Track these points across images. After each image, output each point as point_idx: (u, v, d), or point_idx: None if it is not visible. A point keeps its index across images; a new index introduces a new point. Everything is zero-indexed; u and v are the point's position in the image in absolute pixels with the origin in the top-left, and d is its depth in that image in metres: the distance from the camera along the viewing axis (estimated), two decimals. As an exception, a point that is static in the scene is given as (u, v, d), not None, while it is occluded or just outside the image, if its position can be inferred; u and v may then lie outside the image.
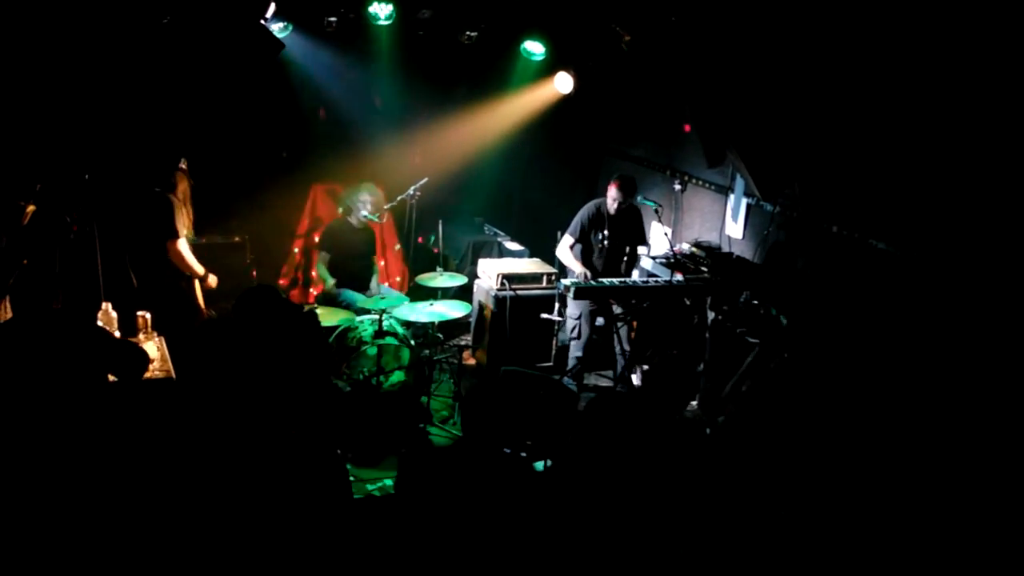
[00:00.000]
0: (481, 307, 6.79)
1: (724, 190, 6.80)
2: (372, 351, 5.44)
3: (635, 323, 6.57)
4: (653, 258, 6.76)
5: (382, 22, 6.36)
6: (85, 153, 4.58)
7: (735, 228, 6.67)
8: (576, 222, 6.32)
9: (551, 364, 6.79)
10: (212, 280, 5.59)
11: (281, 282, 7.51)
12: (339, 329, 5.66)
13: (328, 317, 5.52)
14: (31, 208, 4.31)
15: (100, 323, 4.48)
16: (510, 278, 6.60)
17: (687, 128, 7.00)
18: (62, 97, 4.36)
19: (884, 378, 4.94)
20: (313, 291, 7.33)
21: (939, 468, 4.40)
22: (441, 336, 6.13)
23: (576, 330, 6.37)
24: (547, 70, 7.23)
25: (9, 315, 3.90)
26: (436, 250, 6.83)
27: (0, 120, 4.22)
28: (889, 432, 4.74)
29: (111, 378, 3.88)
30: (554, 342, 6.84)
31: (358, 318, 5.74)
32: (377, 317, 5.55)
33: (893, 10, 4.63)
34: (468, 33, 6.86)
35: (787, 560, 4.19)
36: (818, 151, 5.59)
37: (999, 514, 4.08)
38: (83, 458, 3.63)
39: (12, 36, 4.11)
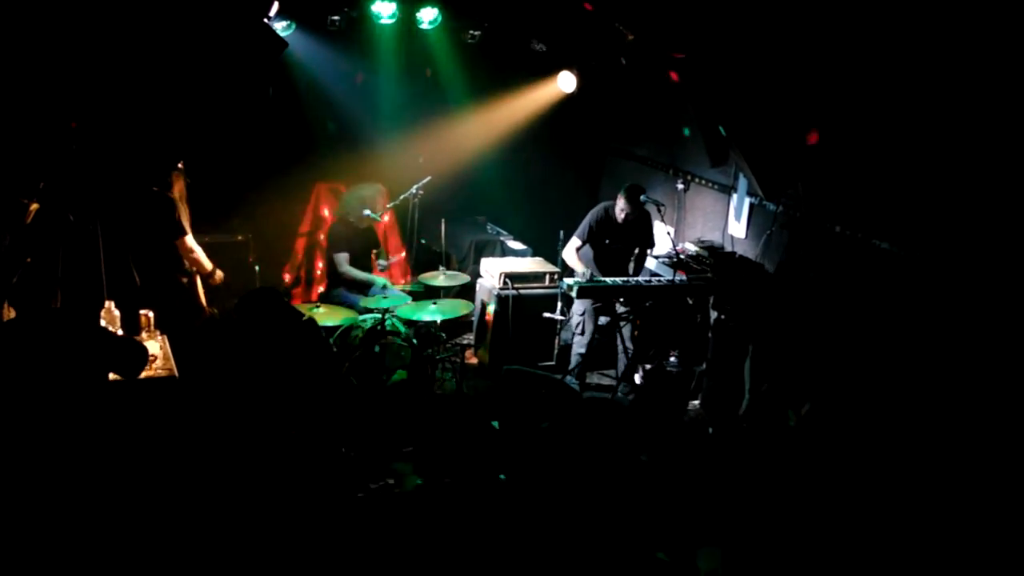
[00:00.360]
0: (483, 306, 6.79)
1: (727, 189, 6.79)
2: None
3: (638, 322, 6.56)
4: (656, 257, 6.75)
5: (385, 20, 6.36)
6: (88, 151, 4.58)
7: (738, 228, 6.66)
8: (584, 225, 6.32)
9: (553, 363, 6.79)
10: (219, 275, 5.60)
11: (285, 278, 7.52)
12: (340, 329, 5.67)
13: (331, 316, 5.53)
14: (35, 206, 4.32)
15: (103, 321, 4.49)
16: (513, 277, 6.59)
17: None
18: (66, 95, 4.36)
19: (888, 377, 4.93)
20: (320, 288, 7.33)
21: (945, 465, 4.40)
22: (443, 335, 6.12)
23: (580, 326, 6.37)
24: (550, 69, 7.24)
25: (11, 314, 3.90)
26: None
27: (3, 118, 4.22)
28: (893, 431, 4.73)
29: (112, 376, 3.88)
30: (556, 341, 6.84)
31: (360, 317, 5.74)
32: (379, 316, 5.55)
33: (896, 10, 4.62)
34: (471, 32, 6.87)
35: (798, 559, 4.20)
36: (821, 151, 5.59)
37: (1005, 510, 4.08)
38: (84, 457, 3.64)
39: (13, 36, 4.12)
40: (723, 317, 5.98)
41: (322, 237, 7.17)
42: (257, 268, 6.54)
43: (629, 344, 6.37)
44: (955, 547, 4.06)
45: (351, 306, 5.96)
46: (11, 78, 4.17)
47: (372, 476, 4.81)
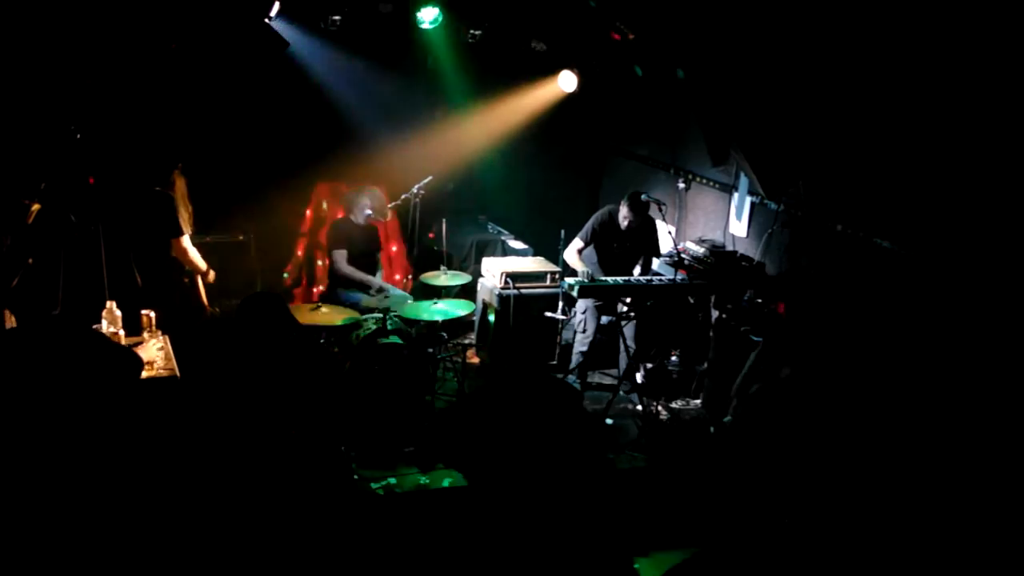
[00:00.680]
0: (485, 306, 6.79)
1: (728, 188, 6.79)
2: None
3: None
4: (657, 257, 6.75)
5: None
6: (90, 151, 4.58)
7: (739, 227, 6.66)
8: (587, 227, 6.31)
9: (555, 363, 6.79)
10: (212, 275, 5.65)
11: (285, 278, 7.53)
12: (342, 327, 5.66)
13: (332, 316, 5.52)
14: (36, 207, 4.32)
15: (104, 322, 4.48)
16: (514, 277, 6.59)
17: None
18: (67, 96, 4.37)
19: (889, 377, 4.93)
20: (320, 288, 7.33)
21: (944, 465, 4.39)
22: (445, 335, 6.12)
23: (583, 324, 6.37)
24: (550, 68, 7.24)
25: (11, 321, 3.89)
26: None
27: (5, 119, 4.22)
28: (894, 430, 4.73)
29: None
30: (558, 340, 6.84)
31: (362, 316, 5.74)
32: (381, 316, 5.55)
33: (897, 9, 4.62)
34: (472, 31, 6.87)
35: (792, 560, 4.19)
36: (823, 150, 5.58)
37: (1006, 510, 4.07)
38: (85, 456, 3.63)
39: (15, 36, 4.12)
40: (724, 316, 5.98)
41: (323, 237, 7.17)
42: (258, 265, 6.55)
43: (631, 343, 6.37)
44: (955, 547, 4.06)
45: (353, 305, 5.96)
46: (12, 78, 4.18)
47: (373, 476, 4.82)
